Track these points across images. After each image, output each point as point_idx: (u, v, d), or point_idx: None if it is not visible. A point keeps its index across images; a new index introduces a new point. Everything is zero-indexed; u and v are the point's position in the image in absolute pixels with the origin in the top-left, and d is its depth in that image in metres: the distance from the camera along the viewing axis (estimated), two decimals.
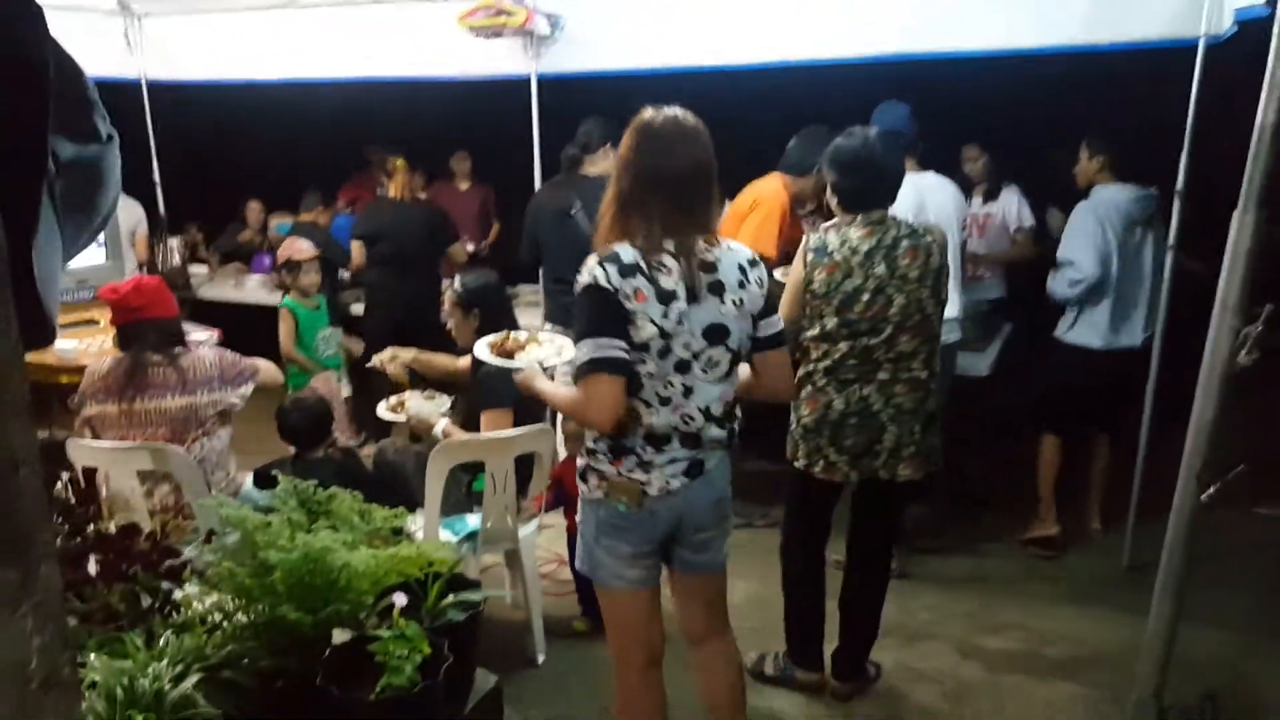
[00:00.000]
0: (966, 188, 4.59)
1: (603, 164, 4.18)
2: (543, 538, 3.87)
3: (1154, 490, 3.39)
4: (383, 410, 3.43)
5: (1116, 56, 3.57)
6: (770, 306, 2.26)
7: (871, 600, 3.04)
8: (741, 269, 2.20)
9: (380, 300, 4.81)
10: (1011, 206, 4.74)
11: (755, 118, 4.65)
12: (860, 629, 3.07)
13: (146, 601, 1.60)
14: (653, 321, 2.07)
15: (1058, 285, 3.95)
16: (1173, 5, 3.38)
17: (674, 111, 2.18)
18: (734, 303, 2.16)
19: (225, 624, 1.60)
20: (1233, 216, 1.69)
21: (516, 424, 3.14)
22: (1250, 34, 2.77)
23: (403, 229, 4.75)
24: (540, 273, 4.56)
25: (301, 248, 4.53)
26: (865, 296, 2.71)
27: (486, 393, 3.19)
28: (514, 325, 3.35)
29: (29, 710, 0.80)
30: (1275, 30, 1.53)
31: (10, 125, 0.89)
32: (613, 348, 2.05)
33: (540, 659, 3.28)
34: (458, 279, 3.42)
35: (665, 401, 2.15)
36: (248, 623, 1.58)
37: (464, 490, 3.23)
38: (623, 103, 4.39)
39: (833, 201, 2.85)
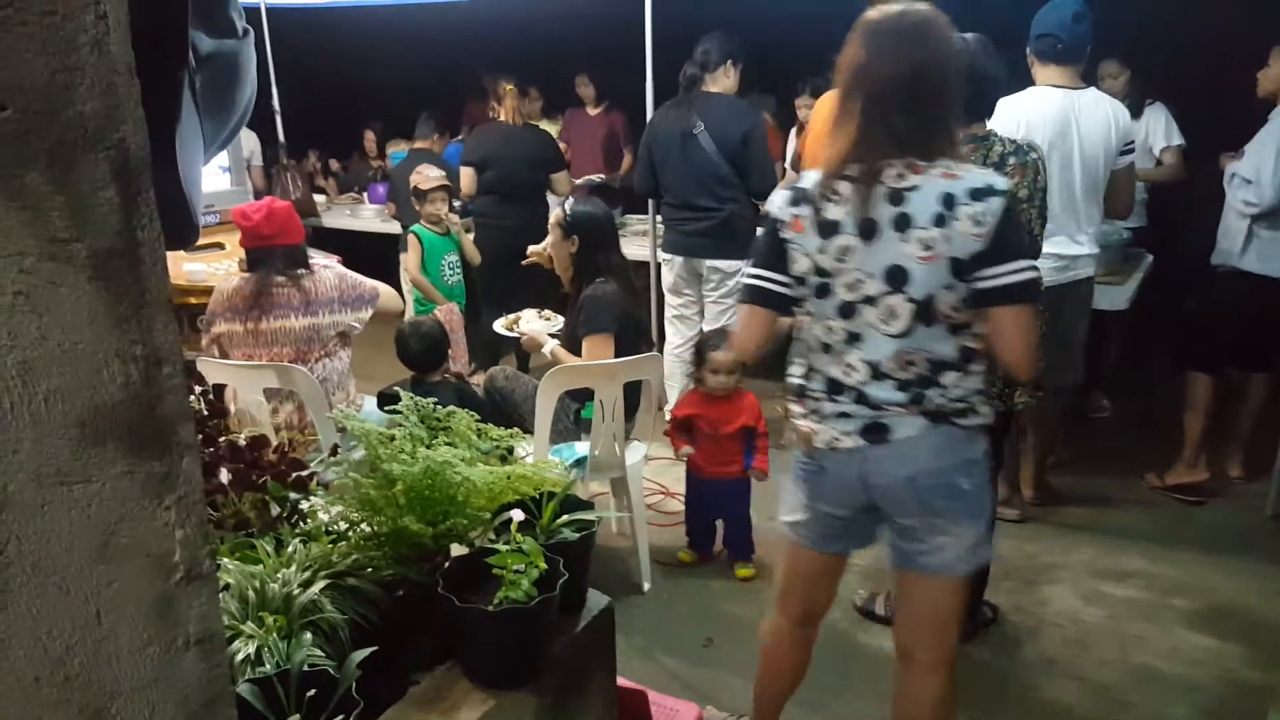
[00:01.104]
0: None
1: (724, 81, 4.05)
2: (649, 469, 3.89)
3: None
4: (499, 326, 3.47)
5: None
6: (1001, 249, 1.80)
7: None
8: (947, 199, 1.78)
9: (488, 228, 4.82)
10: (1158, 125, 4.39)
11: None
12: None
13: (275, 510, 1.65)
14: (806, 255, 1.89)
15: (1233, 201, 3.65)
16: None
17: (901, 6, 1.85)
18: (922, 242, 1.80)
19: (350, 534, 1.63)
20: None
21: (620, 352, 3.12)
22: None
23: (508, 156, 4.72)
24: (651, 205, 4.50)
25: (428, 175, 4.57)
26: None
27: (587, 319, 3.18)
28: (617, 257, 3.35)
29: (173, 600, 0.82)
30: None
31: (153, 16, 0.88)
32: (762, 278, 1.95)
33: (646, 586, 3.30)
34: (567, 202, 3.38)
35: (826, 348, 1.95)
36: (371, 533, 1.62)
37: (572, 417, 3.25)
38: (745, 15, 4.29)
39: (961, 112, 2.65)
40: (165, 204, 0.79)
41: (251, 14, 5.58)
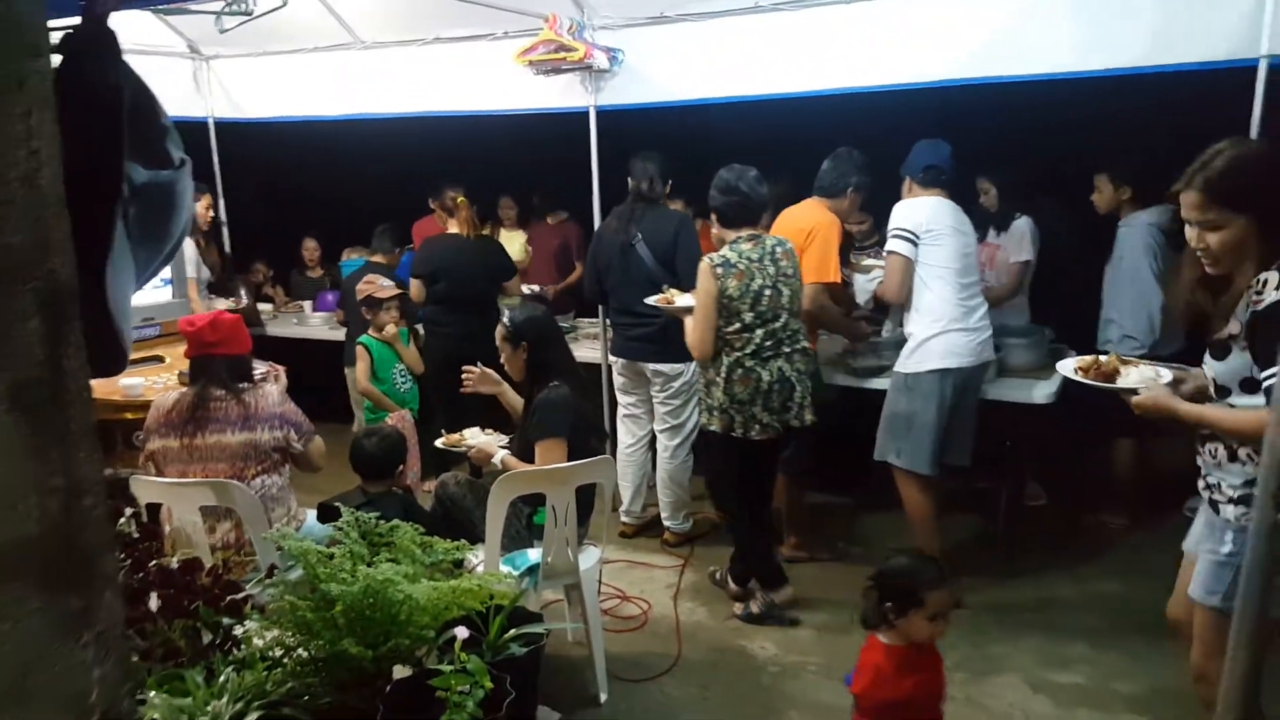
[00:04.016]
0: (983, 220, 4.57)
1: (660, 195, 4.25)
2: (605, 572, 3.83)
3: None
4: (441, 443, 3.43)
5: (1134, 82, 3.58)
6: None
7: (769, 520, 3.85)
8: None
9: (439, 335, 4.82)
10: (1013, 240, 4.57)
11: (801, 143, 4.74)
12: (764, 543, 3.79)
13: (207, 637, 1.58)
14: None
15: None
16: (1232, 27, 3.34)
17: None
18: None
19: (286, 659, 1.57)
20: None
21: (575, 454, 3.11)
22: None
23: (459, 266, 4.76)
24: (600, 309, 4.56)
25: (381, 284, 4.58)
26: (767, 292, 3.44)
27: (539, 423, 3.18)
28: (566, 358, 3.44)
29: None
30: None
31: (86, 150, 0.88)
32: None
33: (603, 697, 3.20)
34: (506, 313, 3.43)
35: None
36: (308, 658, 1.56)
37: (524, 524, 3.20)
38: (679, 131, 4.49)
39: (714, 219, 3.57)
40: (94, 333, 0.78)
41: (199, 127, 5.71)
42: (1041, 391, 3.91)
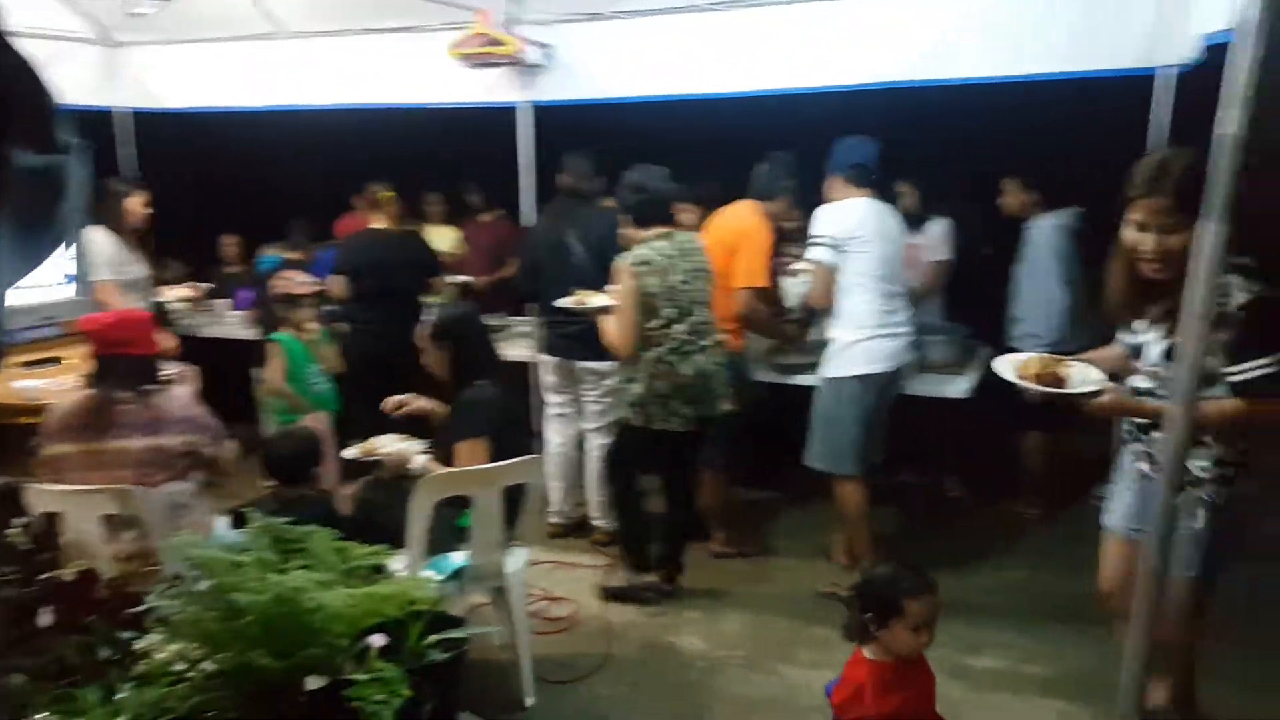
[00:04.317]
0: (902, 221, 4.65)
1: (594, 192, 4.22)
2: (532, 574, 3.78)
3: None
4: (352, 452, 3.30)
5: (1053, 88, 3.71)
6: None
7: (691, 510, 3.95)
8: None
9: (364, 334, 4.69)
10: (931, 239, 4.71)
11: (736, 143, 4.76)
12: (683, 535, 3.92)
13: (105, 653, 1.50)
14: None
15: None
16: (1136, 37, 3.48)
17: None
18: None
19: (191, 673, 1.50)
20: (1199, 227, 1.68)
21: (501, 454, 3.06)
22: (1217, 60, 2.79)
23: (385, 262, 4.65)
24: (533, 308, 4.51)
25: (299, 280, 4.44)
26: (685, 287, 3.53)
27: (460, 424, 3.12)
28: (491, 357, 3.37)
29: None
30: (1236, 40, 1.52)
31: None
32: None
33: (529, 701, 3.16)
34: (431, 311, 3.36)
35: None
36: (215, 671, 1.49)
37: (449, 526, 3.13)
38: (613, 128, 4.48)
39: (638, 215, 3.61)
40: None
41: (108, 117, 5.47)
42: (958, 386, 4.03)
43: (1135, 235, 2.22)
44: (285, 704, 1.47)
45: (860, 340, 3.64)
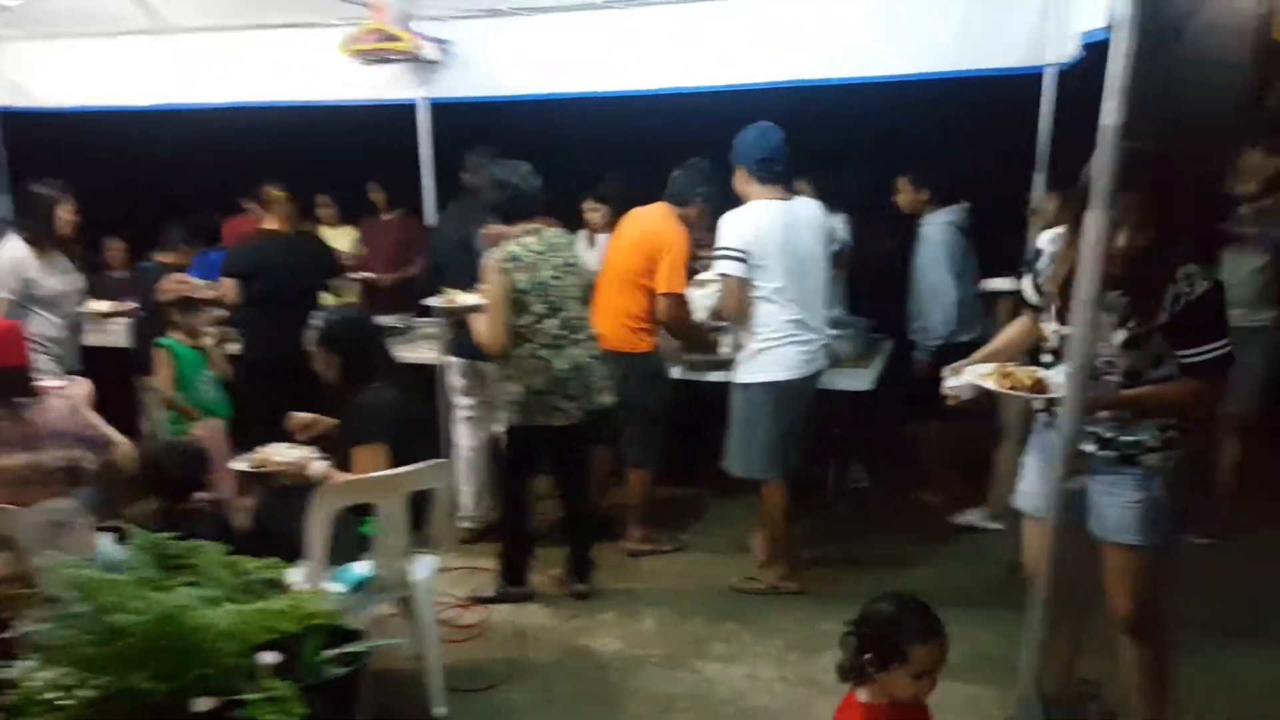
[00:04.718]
0: None
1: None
2: (443, 580, 3.71)
3: None
4: (241, 465, 3.13)
5: (946, 86, 3.80)
6: None
7: (590, 510, 3.93)
8: None
9: (257, 340, 4.52)
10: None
11: (639, 142, 4.79)
12: (588, 535, 3.90)
13: None
14: None
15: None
16: (1021, 36, 3.58)
17: None
18: None
19: (67, 701, 1.41)
20: (1085, 216, 1.74)
21: (395, 461, 2.98)
22: (1096, 58, 2.88)
23: (279, 265, 4.48)
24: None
25: (199, 285, 4.25)
26: (555, 282, 3.54)
27: (356, 429, 3.04)
28: (385, 360, 3.30)
29: None
30: (1115, 35, 1.58)
31: None
32: None
33: (440, 711, 3.09)
34: (318, 316, 3.26)
35: None
36: (94, 698, 1.41)
37: (351, 535, 3.04)
38: (517, 125, 4.43)
39: (496, 214, 3.64)
40: None
41: None
42: (862, 379, 4.13)
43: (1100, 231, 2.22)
44: None
45: (770, 348, 3.61)
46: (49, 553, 2.47)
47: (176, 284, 4.17)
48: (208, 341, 4.18)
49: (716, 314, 4.02)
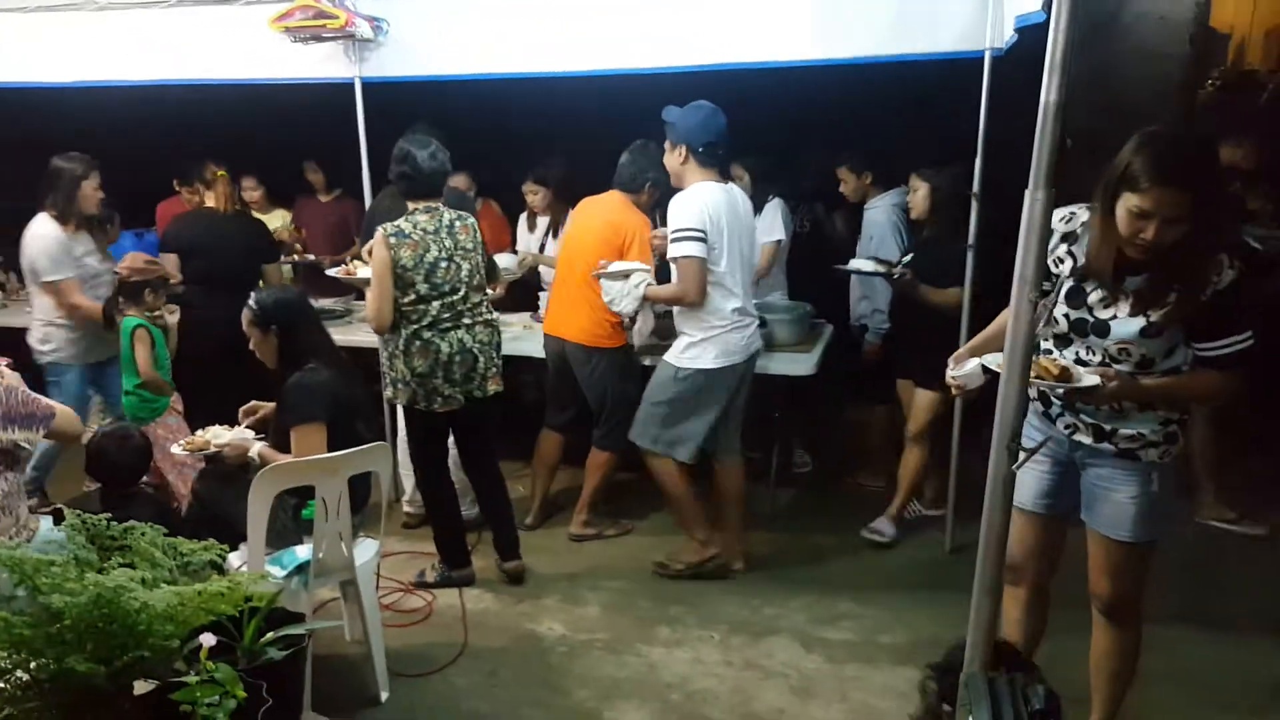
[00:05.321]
0: None
1: None
2: (387, 565, 3.68)
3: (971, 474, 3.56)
4: (178, 449, 3.14)
5: (884, 70, 3.79)
6: None
7: (500, 491, 3.89)
8: None
9: (197, 320, 4.42)
10: (765, 222, 4.78)
11: (578, 123, 4.75)
12: (505, 515, 3.90)
13: None
14: None
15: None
16: (959, 20, 3.60)
17: None
18: None
19: (3, 685, 1.39)
20: (1025, 195, 1.74)
21: (334, 442, 2.96)
22: (1030, 40, 2.87)
23: (217, 244, 4.39)
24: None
25: (166, 263, 4.17)
26: (443, 264, 3.51)
27: (293, 407, 3.02)
28: (322, 340, 3.28)
29: None
30: (1052, 14, 1.61)
31: None
32: None
33: (384, 696, 3.07)
34: (253, 296, 3.21)
35: None
36: (30, 680, 1.39)
37: (291, 518, 3.01)
38: (448, 106, 4.38)
39: (401, 187, 3.61)
40: None
41: None
42: (804, 364, 4.16)
43: (1135, 222, 2.12)
44: (110, 711, 1.38)
45: (716, 334, 3.61)
46: None
47: (146, 264, 4.06)
48: (170, 320, 4.11)
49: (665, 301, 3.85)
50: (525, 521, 4.27)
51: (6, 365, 3.03)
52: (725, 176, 3.76)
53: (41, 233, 4.16)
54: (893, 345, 4.43)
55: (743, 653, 3.36)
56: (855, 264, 4.23)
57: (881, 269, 4.05)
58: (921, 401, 4.06)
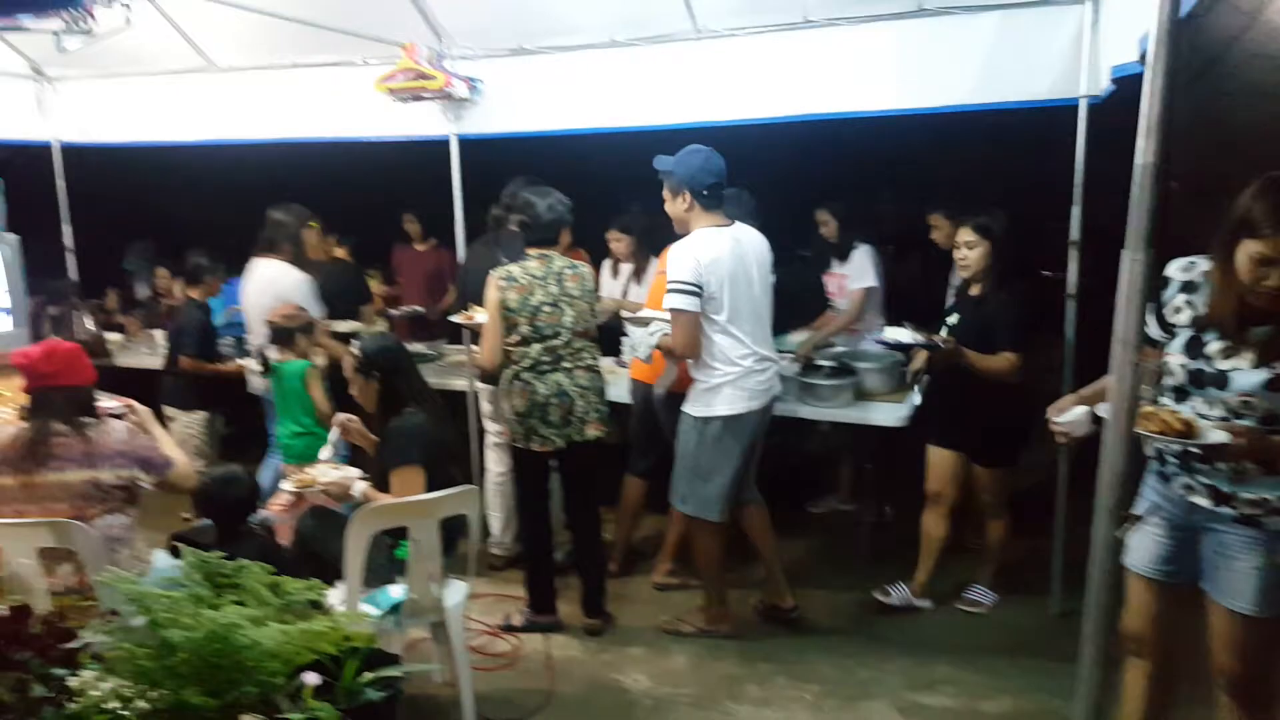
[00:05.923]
0: (825, 250, 4.90)
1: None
2: (474, 608, 3.76)
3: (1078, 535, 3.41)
4: (288, 486, 3.24)
5: (964, 120, 3.79)
6: None
7: (595, 542, 3.95)
8: None
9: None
10: (854, 268, 4.77)
11: (655, 175, 4.83)
12: (595, 566, 3.96)
13: (39, 691, 1.49)
14: None
15: None
16: (1054, 68, 3.58)
17: None
18: None
19: (125, 712, 1.49)
20: (1122, 256, 1.69)
21: (430, 484, 3.06)
22: (1127, 90, 2.82)
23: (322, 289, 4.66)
24: (466, 335, 4.53)
25: (311, 308, 4.40)
26: (546, 308, 3.62)
27: (393, 451, 3.13)
28: (420, 386, 3.38)
29: None
30: (1147, 75, 1.59)
31: None
32: None
33: None
34: (355, 344, 3.36)
35: None
36: (149, 709, 1.49)
37: (387, 558, 3.12)
38: (540, 161, 4.54)
39: (522, 235, 3.76)
40: None
41: (42, 151, 5.43)
42: (895, 414, 4.05)
43: (1257, 270, 2.07)
44: None
45: (730, 380, 3.53)
46: (108, 567, 2.60)
47: (296, 310, 4.30)
48: (320, 360, 4.35)
49: (669, 351, 3.66)
50: (609, 568, 4.27)
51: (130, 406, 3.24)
52: (728, 217, 3.65)
53: (294, 276, 4.41)
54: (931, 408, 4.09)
55: (835, 715, 3.27)
56: (890, 334, 3.82)
57: (921, 338, 3.70)
58: (986, 480, 3.94)
